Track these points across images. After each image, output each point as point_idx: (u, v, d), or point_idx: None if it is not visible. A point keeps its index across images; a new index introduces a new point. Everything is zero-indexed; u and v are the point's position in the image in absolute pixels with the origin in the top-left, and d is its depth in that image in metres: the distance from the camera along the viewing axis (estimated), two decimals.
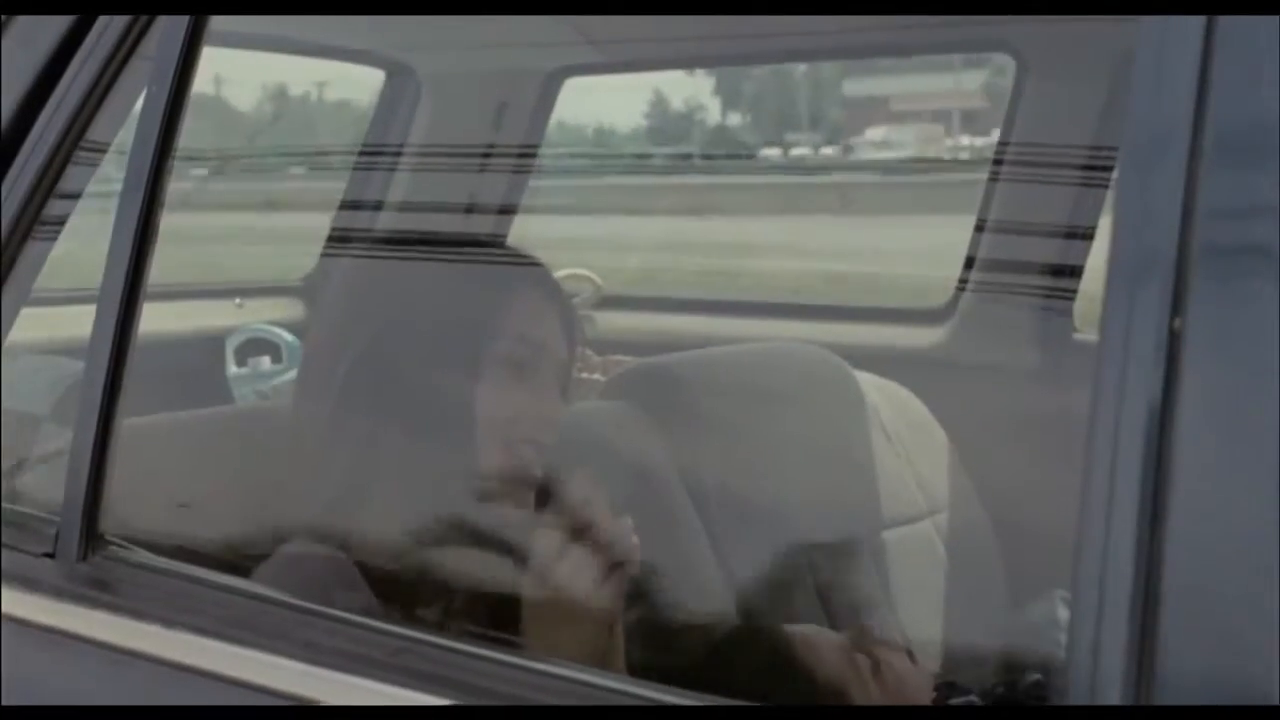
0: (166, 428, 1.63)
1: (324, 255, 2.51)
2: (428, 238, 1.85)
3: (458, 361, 1.40)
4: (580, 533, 1.26)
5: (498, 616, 1.27)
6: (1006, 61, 2.40)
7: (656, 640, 1.35)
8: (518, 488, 1.34)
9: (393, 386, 1.40)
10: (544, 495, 1.34)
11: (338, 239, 2.35)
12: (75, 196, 1.47)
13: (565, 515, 1.28)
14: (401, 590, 1.32)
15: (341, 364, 1.40)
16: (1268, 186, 0.73)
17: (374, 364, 1.39)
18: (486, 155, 2.62)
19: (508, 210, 2.46)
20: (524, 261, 1.54)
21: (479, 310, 1.41)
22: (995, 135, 2.41)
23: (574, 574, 1.25)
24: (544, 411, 1.38)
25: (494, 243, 1.69)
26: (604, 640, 1.26)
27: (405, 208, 2.46)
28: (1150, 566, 0.73)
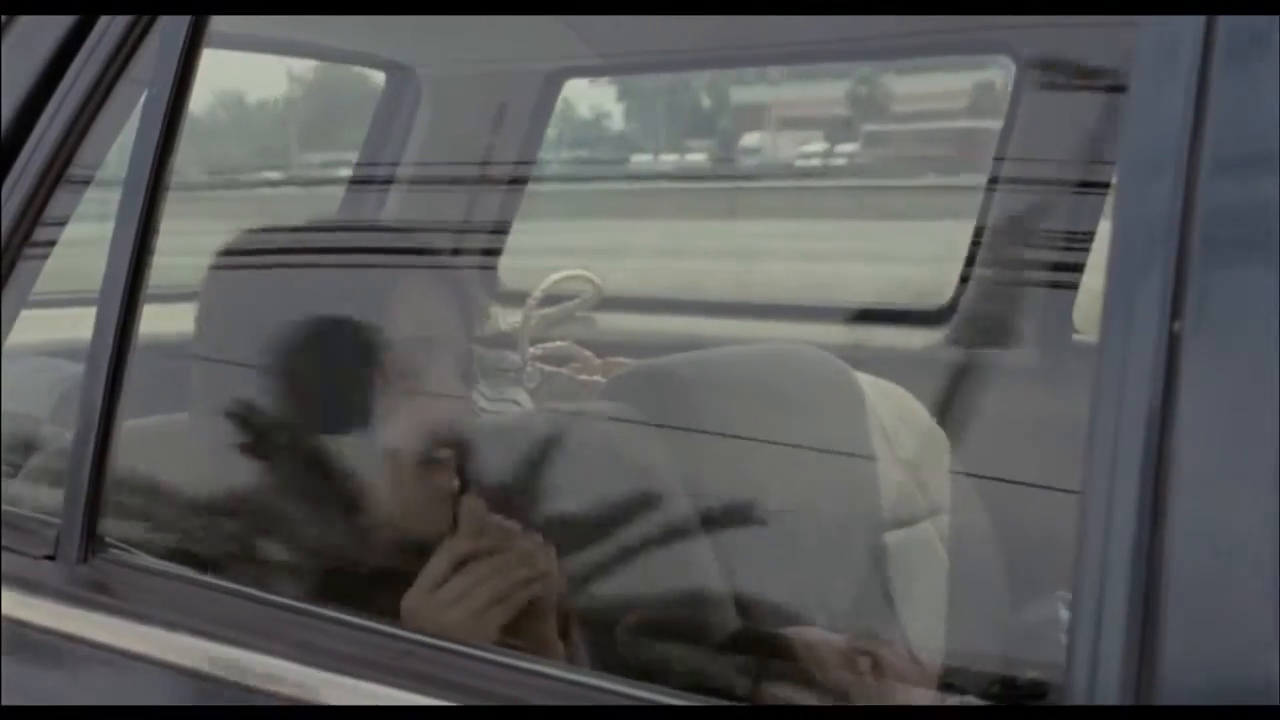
0: (166, 430, 1.63)
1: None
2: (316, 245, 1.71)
3: (345, 378, 1.36)
4: (491, 550, 1.23)
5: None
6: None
7: (656, 641, 1.35)
8: (434, 504, 1.30)
9: (291, 412, 1.37)
10: (461, 504, 1.30)
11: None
12: (75, 199, 1.47)
13: (476, 533, 1.26)
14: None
15: (232, 383, 1.37)
16: (1267, 187, 0.73)
17: (269, 386, 1.36)
18: (486, 156, 2.62)
19: (506, 211, 2.46)
20: (400, 253, 1.49)
21: (360, 321, 1.36)
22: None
23: (465, 597, 1.22)
24: (445, 416, 1.33)
25: (375, 235, 1.59)
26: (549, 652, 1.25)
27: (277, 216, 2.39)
28: (1150, 566, 0.73)
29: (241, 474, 1.39)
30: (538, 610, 1.27)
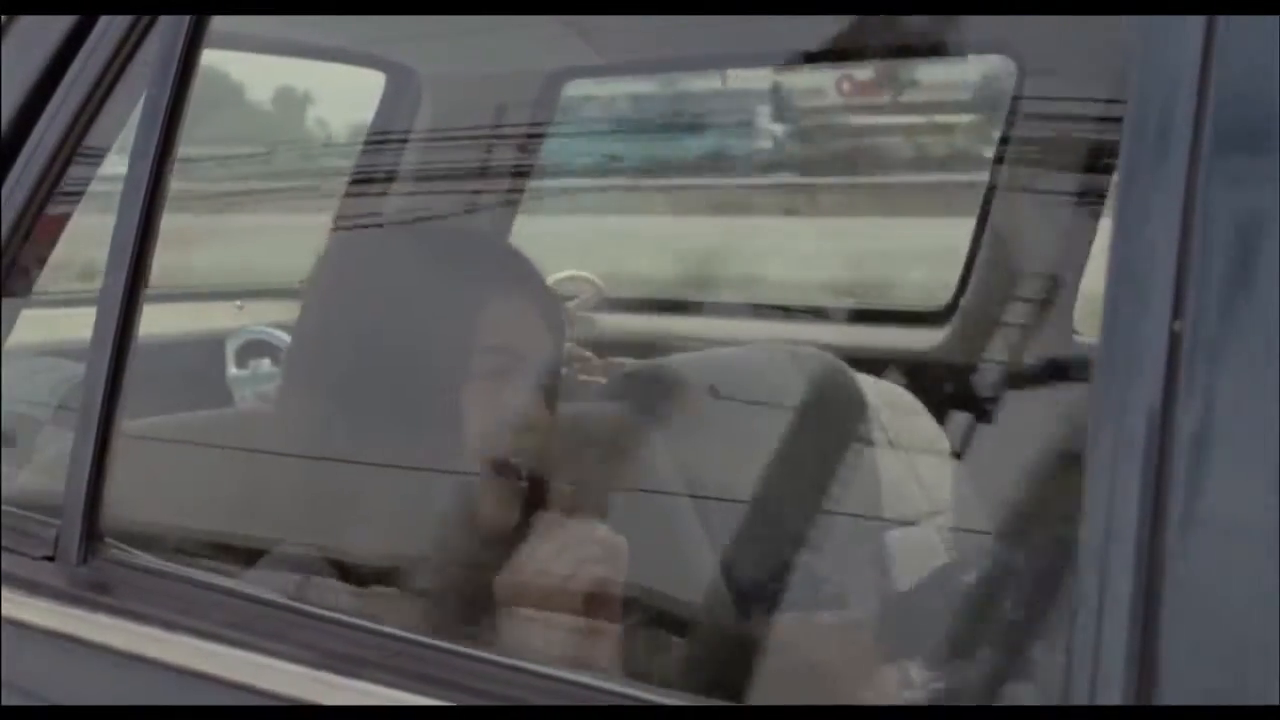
0: (166, 430, 1.63)
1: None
2: (408, 242, 1.81)
3: (439, 375, 1.39)
4: (565, 543, 1.26)
5: (481, 622, 1.28)
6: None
7: (655, 641, 1.35)
8: (503, 499, 1.33)
9: (379, 399, 1.38)
10: (531, 503, 1.33)
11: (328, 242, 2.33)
12: (76, 199, 1.47)
13: (549, 525, 1.29)
14: (388, 598, 1.31)
15: (326, 372, 1.39)
16: (1268, 188, 0.73)
17: (359, 376, 1.38)
18: (486, 157, 2.62)
19: (508, 210, 2.46)
20: (504, 261, 1.52)
21: (456, 324, 1.39)
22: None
23: (557, 581, 1.25)
24: (526, 421, 1.35)
25: (476, 243, 1.65)
26: (597, 650, 1.26)
27: (394, 211, 2.45)
28: (1150, 566, 0.73)
29: (327, 465, 1.40)
30: (605, 593, 1.29)
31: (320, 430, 1.40)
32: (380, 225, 2.04)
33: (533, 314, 1.40)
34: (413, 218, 2.13)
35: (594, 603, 1.28)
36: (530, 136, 2.61)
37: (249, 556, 1.36)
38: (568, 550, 1.26)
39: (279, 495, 1.43)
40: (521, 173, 2.64)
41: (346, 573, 1.31)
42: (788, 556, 1.63)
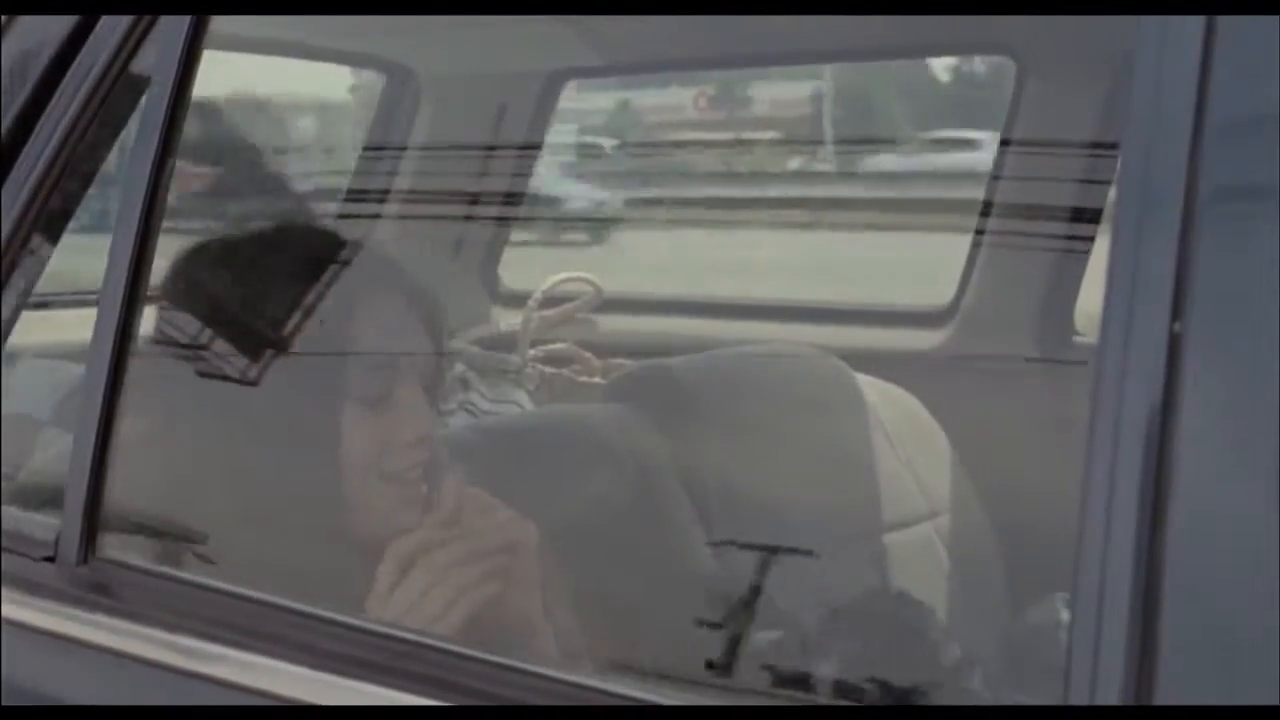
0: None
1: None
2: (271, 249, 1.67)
3: (311, 397, 1.36)
4: (433, 562, 1.22)
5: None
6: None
7: (655, 641, 1.35)
8: (406, 516, 1.30)
9: (259, 419, 1.37)
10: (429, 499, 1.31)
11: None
12: (76, 199, 1.47)
13: (417, 546, 1.25)
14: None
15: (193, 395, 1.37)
16: (1268, 190, 0.73)
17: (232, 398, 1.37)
18: (486, 158, 2.62)
19: (507, 210, 2.46)
20: (372, 267, 1.48)
21: (324, 342, 1.37)
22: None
23: (421, 598, 1.21)
24: (412, 432, 1.32)
25: (337, 247, 1.61)
26: (532, 628, 1.25)
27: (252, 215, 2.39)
28: (1150, 566, 0.73)
29: (211, 493, 1.39)
30: (518, 583, 1.26)
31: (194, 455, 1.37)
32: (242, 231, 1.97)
33: (407, 314, 1.37)
34: (273, 223, 2.04)
35: (505, 606, 1.25)
36: (530, 136, 2.61)
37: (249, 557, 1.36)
38: (441, 585, 1.22)
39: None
40: (521, 170, 2.64)
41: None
42: (788, 555, 1.64)
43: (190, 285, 1.44)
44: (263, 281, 1.47)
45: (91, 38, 1.40)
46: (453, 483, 1.31)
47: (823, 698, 1.16)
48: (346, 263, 1.49)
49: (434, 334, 1.37)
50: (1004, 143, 2.37)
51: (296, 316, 1.40)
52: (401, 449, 1.31)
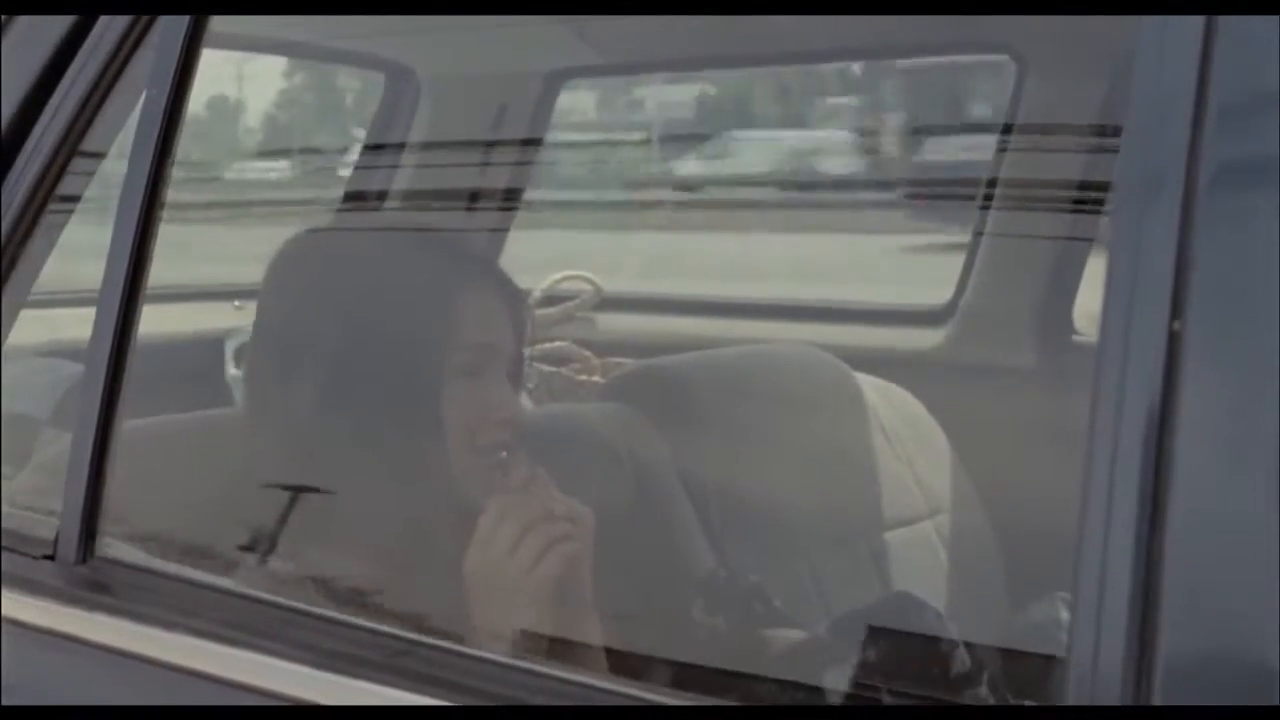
0: (166, 430, 1.63)
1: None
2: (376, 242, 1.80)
3: (415, 373, 1.43)
4: (526, 514, 1.29)
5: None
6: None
7: (654, 640, 1.35)
8: (488, 488, 1.35)
9: (356, 397, 1.42)
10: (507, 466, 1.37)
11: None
12: (75, 199, 1.47)
13: (516, 502, 1.31)
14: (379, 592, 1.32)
15: (297, 372, 1.40)
16: (1266, 190, 0.73)
17: (334, 375, 1.41)
18: (485, 158, 2.62)
19: (507, 210, 2.46)
20: (468, 259, 1.57)
21: (430, 323, 1.44)
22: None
23: (518, 546, 1.28)
24: (501, 412, 1.40)
25: (441, 242, 1.69)
26: (571, 620, 1.28)
27: (369, 211, 2.44)
28: (1150, 566, 0.73)
29: (308, 461, 1.43)
30: (577, 570, 1.31)
31: (293, 432, 1.42)
32: (340, 227, 2.03)
33: (502, 309, 1.44)
34: (374, 220, 2.13)
35: (566, 581, 1.30)
36: (530, 136, 2.61)
37: (238, 556, 1.37)
38: (533, 533, 1.29)
39: (261, 496, 1.43)
40: (521, 170, 2.64)
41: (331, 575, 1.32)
42: (788, 555, 1.64)
43: (303, 274, 1.52)
44: (375, 273, 1.53)
45: (91, 38, 1.40)
46: (528, 459, 1.38)
47: (822, 697, 1.16)
48: (449, 257, 1.57)
49: (519, 330, 1.45)
50: (1003, 142, 2.37)
51: (405, 304, 1.47)
52: (491, 426, 1.38)
